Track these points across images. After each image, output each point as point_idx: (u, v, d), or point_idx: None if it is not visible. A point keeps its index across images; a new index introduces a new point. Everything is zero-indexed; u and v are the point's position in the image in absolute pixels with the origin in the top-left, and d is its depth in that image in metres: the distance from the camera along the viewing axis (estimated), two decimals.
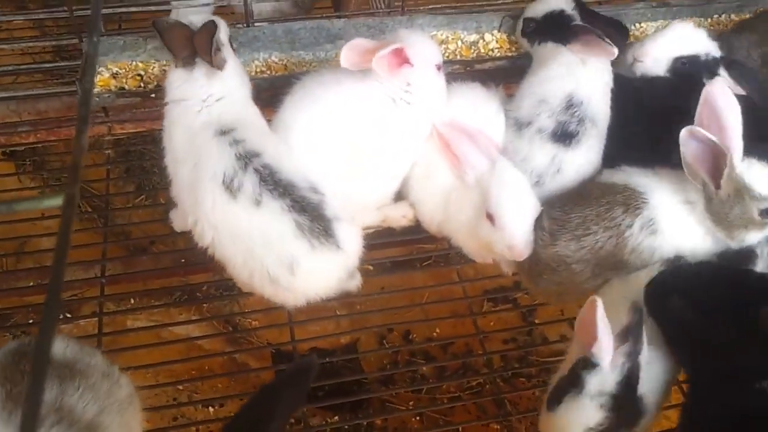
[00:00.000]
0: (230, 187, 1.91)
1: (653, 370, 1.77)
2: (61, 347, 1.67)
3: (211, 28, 1.96)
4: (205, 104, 2.01)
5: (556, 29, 2.28)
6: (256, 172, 1.92)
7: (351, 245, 2.02)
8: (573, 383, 1.67)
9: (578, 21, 2.26)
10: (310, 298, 2.06)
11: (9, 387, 1.53)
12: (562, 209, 2.03)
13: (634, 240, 1.94)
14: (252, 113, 2.10)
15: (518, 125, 2.20)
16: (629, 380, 1.64)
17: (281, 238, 1.92)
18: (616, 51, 2.13)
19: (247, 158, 1.93)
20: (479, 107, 2.21)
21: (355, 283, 2.15)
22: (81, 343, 1.76)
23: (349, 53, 1.99)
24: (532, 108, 2.19)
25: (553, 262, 2.02)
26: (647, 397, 1.73)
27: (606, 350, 1.64)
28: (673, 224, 1.95)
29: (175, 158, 2.04)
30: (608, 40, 2.12)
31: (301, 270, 1.95)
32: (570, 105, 2.16)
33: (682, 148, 1.84)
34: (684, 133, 1.82)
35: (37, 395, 0.66)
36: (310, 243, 1.93)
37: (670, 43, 2.33)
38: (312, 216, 1.93)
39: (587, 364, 1.66)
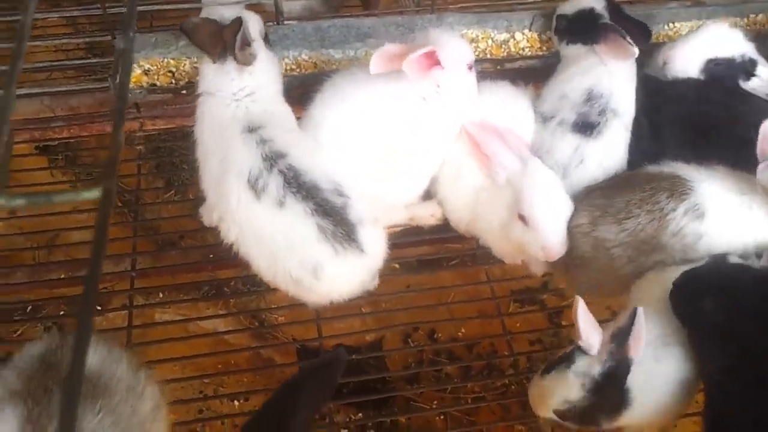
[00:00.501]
0: (255, 187, 1.92)
1: (661, 368, 1.80)
2: (89, 355, 1.56)
3: (236, 24, 1.97)
4: (235, 98, 2.02)
5: (585, 27, 2.28)
6: (281, 174, 1.92)
7: (374, 248, 2.01)
8: (566, 358, 1.80)
9: (606, 20, 2.26)
10: (334, 299, 2.07)
11: (30, 405, 1.42)
12: (604, 195, 2.04)
13: (676, 224, 1.93)
14: (281, 110, 2.11)
15: (543, 119, 2.22)
16: (614, 373, 1.72)
17: (304, 241, 1.93)
18: (637, 51, 2.13)
19: (273, 159, 1.93)
20: (509, 105, 2.21)
21: (374, 283, 2.16)
22: (109, 344, 1.69)
23: (379, 60, 1.98)
24: (554, 103, 2.22)
25: (593, 249, 2.02)
26: (643, 392, 1.76)
27: (591, 344, 1.75)
28: (722, 213, 1.94)
29: (205, 150, 2.06)
30: (630, 40, 2.12)
31: (324, 274, 1.95)
32: (590, 98, 2.17)
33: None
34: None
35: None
36: (334, 248, 1.93)
37: (703, 44, 2.30)
38: (335, 220, 1.92)
39: (581, 348, 1.79)
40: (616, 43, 2.16)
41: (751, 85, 2.27)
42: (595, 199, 2.05)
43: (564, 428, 1.94)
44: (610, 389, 1.75)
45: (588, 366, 1.75)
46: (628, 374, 1.72)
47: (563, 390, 1.78)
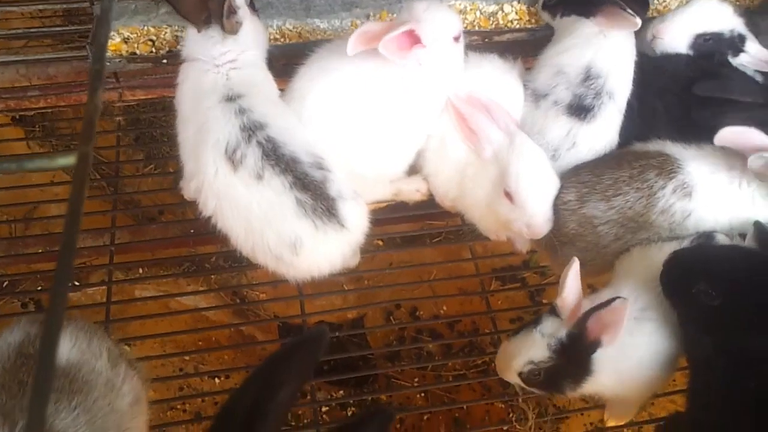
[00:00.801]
0: (233, 158, 1.88)
1: (635, 341, 1.80)
2: (67, 347, 1.54)
3: None
4: (215, 65, 1.98)
5: (579, 1, 2.23)
6: (259, 146, 1.88)
7: (356, 223, 1.98)
8: (534, 321, 1.82)
9: None
10: (314, 274, 2.04)
11: (4, 399, 1.38)
12: (593, 172, 2.03)
13: (665, 201, 1.93)
14: (262, 79, 2.07)
15: (535, 97, 2.17)
16: (579, 337, 1.72)
17: (283, 216, 1.89)
18: (639, 21, 2.09)
19: (251, 130, 1.89)
20: (497, 79, 2.17)
21: (356, 260, 2.14)
22: (88, 336, 1.62)
23: (356, 40, 1.92)
24: (549, 79, 2.17)
25: (580, 226, 2.01)
26: (614, 362, 1.77)
27: (566, 307, 1.77)
28: (710, 191, 1.94)
29: (183, 119, 2.01)
30: (631, 11, 2.08)
31: (304, 249, 1.92)
32: (588, 77, 2.13)
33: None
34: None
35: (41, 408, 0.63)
36: (313, 222, 1.89)
37: (692, 19, 2.27)
38: (315, 194, 1.89)
39: (552, 309, 1.80)
40: (615, 14, 2.12)
41: (740, 60, 2.25)
42: (583, 176, 2.04)
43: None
44: (575, 352, 1.75)
45: (555, 327, 1.76)
46: (598, 345, 1.73)
47: (529, 349, 1.78)
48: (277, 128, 1.92)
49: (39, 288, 2.79)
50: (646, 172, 1.96)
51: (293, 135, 1.95)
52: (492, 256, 2.74)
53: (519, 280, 3.17)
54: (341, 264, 2.06)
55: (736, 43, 2.24)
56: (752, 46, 2.26)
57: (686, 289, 1.75)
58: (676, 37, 2.27)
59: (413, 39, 1.99)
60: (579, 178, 2.04)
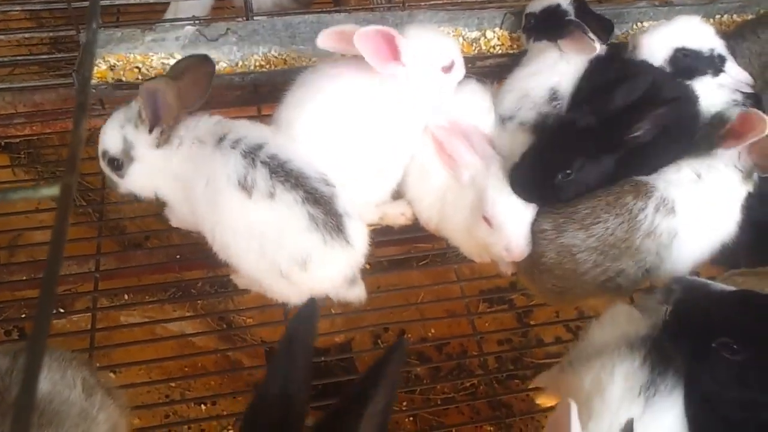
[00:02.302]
0: (245, 186, 1.88)
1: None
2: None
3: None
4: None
5: (551, 24, 2.30)
6: (264, 165, 1.88)
7: (360, 242, 1.99)
8: None
9: (572, 16, 2.28)
10: (315, 294, 2.01)
11: None
12: (568, 203, 2.02)
13: (649, 222, 1.93)
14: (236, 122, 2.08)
15: (501, 120, 2.20)
16: None
17: (295, 231, 1.90)
18: (598, 47, 2.15)
19: (252, 153, 1.90)
20: (472, 102, 2.20)
21: (358, 292, 2.14)
22: (63, 365, 1.60)
23: (327, 36, 1.98)
24: (513, 102, 2.20)
25: (558, 255, 2.00)
26: None
27: None
28: (690, 202, 1.97)
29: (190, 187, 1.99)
30: (592, 36, 2.14)
31: (312, 265, 1.92)
32: (553, 98, 2.17)
33: None
34: None
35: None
36: (323, 237, 1.90)
37: (673, 32, 2.30)
38: (325, 209, 1.90)
39: None
40: (578, 38, 2.18)
41: (719, 81, 2.28)
42: (557, 205, 2.04)
43: None
44: None
45: None
46: None
47: None
48: (277, 146, 1.94)
49: (23, 315, 2.77)
50: (623, 197, 1.96)
51: (294, 151, 1.96)
52: (479, 278, 2.75)
53: (506, 302, 3.18)
54: (342, 285, 2.06)
55: (716, 63, 2.27)
56: (732, 67, 2.29)
57: (703, 346, 1.59)
58: (655, 49, 2.28)
59: (393, 51, 2.00)
60: (554, 208, 2.03)
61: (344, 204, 1.95)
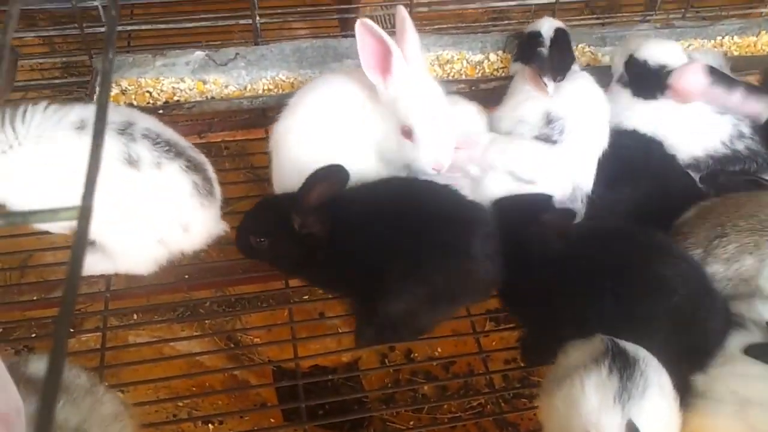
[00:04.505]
0: (131, 161, 1.90)
1: None
2: (40, 367, 1.59)
3: None
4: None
5: (527, 50, 2.36)
6: (144, 137, 1.92)
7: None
8: None
9: (544, 48, 2.32)
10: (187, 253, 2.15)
11: None
12: None
13: None
14: None
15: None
16: None
17: (182, 197, 1.98)
18: (547, 92, 2.17)
19: (126, 129, 1.91)
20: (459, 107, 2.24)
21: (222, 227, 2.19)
22: (67, 364, 1.66)
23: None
24: (510, 126, 2.25)
25: None
26: None
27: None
28: None
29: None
30: (546, 79, 2.16)
31: (193, 227, 2.05)
32: (550, 121, 2.20)
33: None
34: None
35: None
36: (201, 201, 2.02)
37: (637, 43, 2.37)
38: (203, 176, 2.02)
39: None
40: (532, 76, 2.22)
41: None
42: None
43: None
44: None
45: None
46: None
47: None
48: (147, 122, 1.99)
49: (33, 335, 2.79)
50: None
51: (161, 126, 2.02)
52: None
53: (513, 321, 3.18)
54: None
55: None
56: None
57: None
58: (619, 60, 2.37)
59: (387, 62, 1.94)
60: None
61: (211, 170, 2.07)
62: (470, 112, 2.26)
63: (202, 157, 2.06)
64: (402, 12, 1.96)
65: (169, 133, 2.01)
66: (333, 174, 1.89)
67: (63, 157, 1.86)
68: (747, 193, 2.09)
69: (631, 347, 1.67)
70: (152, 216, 1.99)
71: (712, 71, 2.20)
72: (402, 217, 1.89)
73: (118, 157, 1.89)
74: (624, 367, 1.62)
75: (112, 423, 1.64)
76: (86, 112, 1.91)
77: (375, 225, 1.89)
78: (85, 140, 1.79)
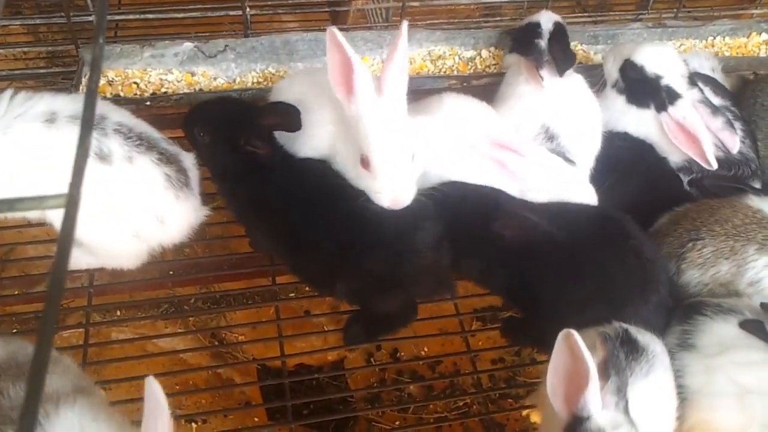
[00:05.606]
0: (102, 156, 1.88)
1: None
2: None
3: None
4: None
5: (524, 40, 2.32)
6: (116, 132, 1.91)
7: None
8: None
9: (543, 41, 2.28)
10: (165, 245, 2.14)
11: None
12: None
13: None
14: None
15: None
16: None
17: (155, 190, 1.97)
18: (541, 87, 2.15)
19: (97, 123, 1.88)
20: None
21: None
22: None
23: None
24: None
25: None
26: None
27: (596, 396, 1.41)
28: None
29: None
30: (543, 72, 2.15)
31: (168, 219, 2.03)
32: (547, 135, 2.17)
33: None
34: None
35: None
36: (176, 194, 1.99)
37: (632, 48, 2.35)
38: (177, 168, 2.00)
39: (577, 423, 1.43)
40: (529, 69, 2.19)
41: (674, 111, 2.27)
42: None
43: None
44: None
45: None
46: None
47: None
48: (120, 116, 1.97)
49: (14, 330, 2.74)
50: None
51: (135, 120, 2.01)
52: (472, 295, 2.75)
53: (500, 320, 3.17)
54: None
55: (673, 93, 2.27)
56: (683, 104, 2.26)
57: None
58: (612, 65, 2.35)
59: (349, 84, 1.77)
60: None
61: (188, 161, 2.06)
62: (486, 112, 2.10)
63: (176, 149, 2.04)
64: (402, 27, 1.76)
65: (143, 126, 2.00)
66: (293, 114, 1.89)
67: (29, 150, 1.81)
68: (719, 199, 2.08)
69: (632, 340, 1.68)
70: (126, 209, 1.96)
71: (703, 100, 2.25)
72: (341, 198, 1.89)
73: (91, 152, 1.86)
74: (617, 363, 1.60)
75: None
76: (57, 103, 1.87)
77: (316, 198, 1.90)
78: (54, 133, 1.80)
